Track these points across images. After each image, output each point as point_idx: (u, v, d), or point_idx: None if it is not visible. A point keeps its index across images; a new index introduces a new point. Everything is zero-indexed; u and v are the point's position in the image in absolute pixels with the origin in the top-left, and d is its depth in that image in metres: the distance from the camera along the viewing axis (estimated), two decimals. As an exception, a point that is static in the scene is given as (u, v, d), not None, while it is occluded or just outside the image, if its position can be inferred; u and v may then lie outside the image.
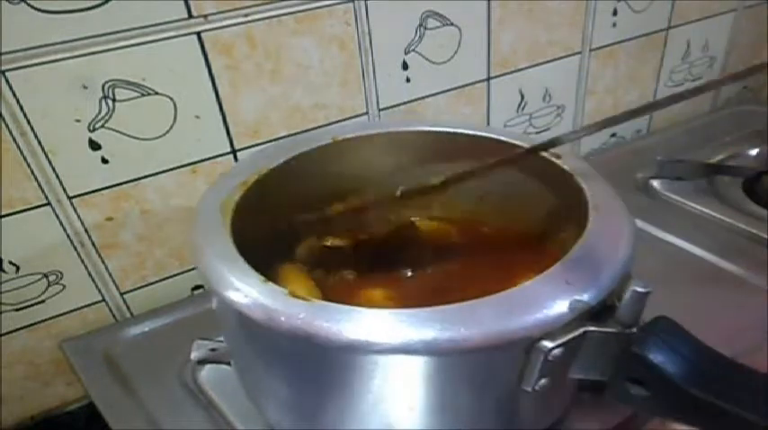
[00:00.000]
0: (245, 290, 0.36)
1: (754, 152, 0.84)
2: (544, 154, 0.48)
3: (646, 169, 0.79)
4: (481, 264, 0.53)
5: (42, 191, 0.53)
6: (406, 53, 0.66)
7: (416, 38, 0.66)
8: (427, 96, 0.70)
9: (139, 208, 0.58)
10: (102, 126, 0.53)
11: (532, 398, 0.37)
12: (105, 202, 0.56)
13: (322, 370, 0.37)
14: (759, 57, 1.00)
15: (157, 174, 0.57)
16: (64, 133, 0.52)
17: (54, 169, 0.52)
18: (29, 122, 0.50)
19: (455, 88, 0.72)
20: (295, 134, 0.63)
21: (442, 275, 0.53)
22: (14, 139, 0.50)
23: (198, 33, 0.54)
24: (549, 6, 0.73)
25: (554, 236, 0.49)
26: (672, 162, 0.77)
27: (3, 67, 0.47)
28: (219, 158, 0.60)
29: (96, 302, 0.60)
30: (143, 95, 0.53)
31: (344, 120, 0.66)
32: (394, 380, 0.36)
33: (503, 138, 0.52)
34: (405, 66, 0.67)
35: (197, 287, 0.65)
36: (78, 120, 0.52)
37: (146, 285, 0.62)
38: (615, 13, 0.80)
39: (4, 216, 0.52)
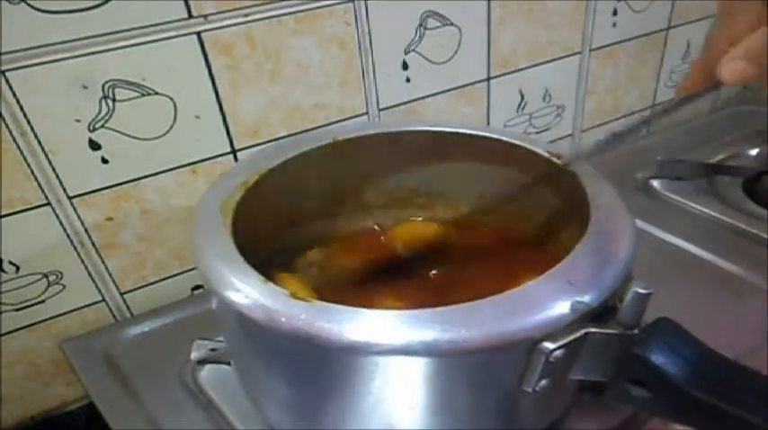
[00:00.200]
0: (246, 290, 0.35)
1: (754, 152, 0.84)
2: (544, 154, 0.49)
3: (646, 169, 0.79)
4: (482, 264, 0.53)
5: (42, 191, 0.53)
6: (406, 53, 0.66)
7: (416, 38, 0.66)
8: (427, 96, 0.70)
9: (139, 208, 0.58)
10: (102, 126, 0.53)
11: (533, 398, 0.37)
12: (105, 202, 0.56)
13: (322, 370, 0.37)
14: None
15: (157, 174, 0.57)
16: (64, 133, 0.52)
17: (54, 169, 0.52)
18: (29, 122, 0.50)
19: (455, 88, 0.72)
20: (295, 134, 0.63)
21: (444, 276, 0.53)
22: (14, 139, 0.50)
23: (198, 33, 0.54)
24: (549, 6, 0.73)
25: (555, 236, 0.49)
26: (672, 162, 0.77)
27: (3, 67, 0.47)
28: (219, 158, 0.60)
29: (96, 302, 0.60)
30: (143, 95, 0.53)
31: (344, 120, 0.66)
32: (395, 381, 0.36)
33: (503, 138, 0.52)
34: (405, 66, 0.67)
35: (197, 287, 0.65)
36: (78, 120, 0.52)
37: (146, 285, 0.62)
38: (615, 13, 0.80)
39: (4, 216, 0.52)
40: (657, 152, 0.79)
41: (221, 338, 0.48)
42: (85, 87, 0.51)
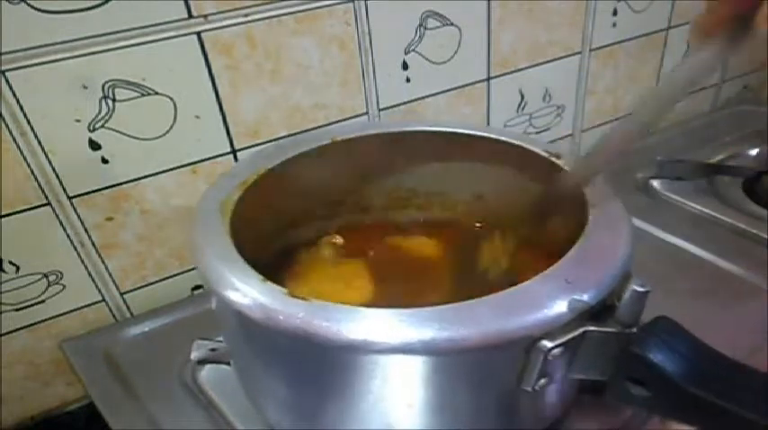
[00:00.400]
0: (245, 289, 0.36)
1: (754, 152, 0.84)
2: (544, 154, 0.49)
3: (646, 169, 0.79)
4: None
5: (42, 191, 0.53)
6: (406, 53, 0.66)
7: (416, 38, 0.66)
8: (427, 96, 0.70)
9: (139, 208, 0.58)
10: (102, 126, 0.53)
11: (532, 398, 0.37)
12: (105, 202, 0.56)
13: (321, 369, 0.37)
14: (759, 56, 1.00)
15: (157, 174, 0.57)
16: (64, 133, 0.52)
17: (54, 169, 0.52)
18: (29, 122, 0.50)
19: (455, 88, 0.72)
20: (295, 134, 0.63)
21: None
22: (14, 139, 0.50)
23: (198, 33, 0.54)
24: (549, 6, 0.73)
25: (553, 235, 0.49)
26: (672, 162, 0.77)
27: (3, 67, 0.47)
28: (219, 158, 0.60)
29: (96, 302, 0.60)
30: (143, 95, 0.53)
31: (344, 120, 0.66)
32: (393, 380, 0.36)
33: (503, 138, 0.52)
34: (405, 66, 0.67)
35: (197, 287, 0.65)
36: (78, 120, 0.52)
37: (146, 285, 0.62)
38: (615, 13, 0.80)
39: (4, 216, 0.52)
40: (657, 152, 0.79)
41: (221, 338, 0.48)
42: (85, 87, 0.51)
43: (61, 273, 0.57)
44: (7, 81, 0.48)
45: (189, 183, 0.59)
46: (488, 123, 0.78)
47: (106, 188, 0.56)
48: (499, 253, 0.49)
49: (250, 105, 0.59)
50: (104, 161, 0.54)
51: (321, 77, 0.62)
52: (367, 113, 0.67)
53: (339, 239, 0.57)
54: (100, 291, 0.60)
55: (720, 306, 0.57)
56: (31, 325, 0.58)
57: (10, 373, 0.59)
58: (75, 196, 0.54)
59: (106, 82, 0.51)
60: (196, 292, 0.65)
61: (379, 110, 0.67)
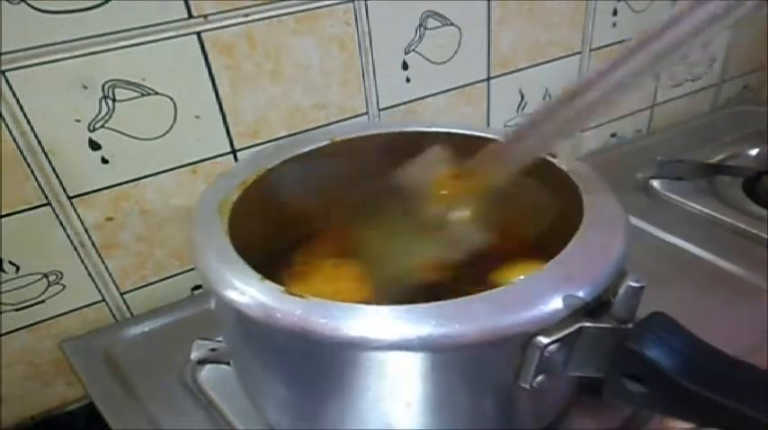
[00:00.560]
0: (243, 288, 0.36)
1: (754, 152, 0.84)
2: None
3: (646, 169, 0.79)
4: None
5: (42, 191, 0.53)
6: (406, 53, 0.66)
7: (416, 38, 0.66)
8: (427, 96, 0.70)
9: (139, 208, 0.58)
10: (102, 126, 0.53)
11: (530, 396, 0.37)
12: (105, 202, 0.56)
13: (319, 367, 0.37)
14: (759, 56, 1.00)
15: (157, 174, 0.58)
16: (64, 133, 0.52)
17: (54, 169, 0.53)
18: (29, 122, 0.50)
19: (455, 88, 0.72)
20: (295, 134, 0.63)
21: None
22: (14, 139, 0.50)
23: (198, 33, 0.54)
24: (549, 6, 0.74)
25: (549, 232, 0.49)
26: (672, 162, 0.77)
27: (3, 67, 0.47)
28: (219, 158, 0.60)
29: (96, 302, 0.60)
30: (143, 95, 0.54)
31: (344, 120, 0.66)
32: (391, 377, 0.36)
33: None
34: (405, 66, 0.67)
35: (197, 287, 0.65)
36: (78, 121, 0.52)
37: (146, 285, 0.63)
38: (615, 13, 0.80)
39: (4, 216, 0.52)
40: (657, 152, 0.79)
41: (221, 338, 0.48)
42: (85, 87, 0.51)
43: (61, 273, 0.57)
44: (7, 81, 0.48)
45: (189, 183, 0.59)
46: (488, 123, 0.78)
47: (106, 188, 0.56)
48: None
49: (250, 105, 0.59)
50: (104, 161, 0.55)
51: (321, 77, 0.62)
52: (367, 113, 0.67)
53: (338, 239, 0.56)
54: (100, 291, 0.60)
55: (720, 306, 0.57)
56: (31, 325, 0.58)
57: (10, 373, 0.59)
58: (75, 196, 0.55)
59: (106, 82, 0.52)
60: (196, 292, 0.66)
61: (379, 110, 0.68)
